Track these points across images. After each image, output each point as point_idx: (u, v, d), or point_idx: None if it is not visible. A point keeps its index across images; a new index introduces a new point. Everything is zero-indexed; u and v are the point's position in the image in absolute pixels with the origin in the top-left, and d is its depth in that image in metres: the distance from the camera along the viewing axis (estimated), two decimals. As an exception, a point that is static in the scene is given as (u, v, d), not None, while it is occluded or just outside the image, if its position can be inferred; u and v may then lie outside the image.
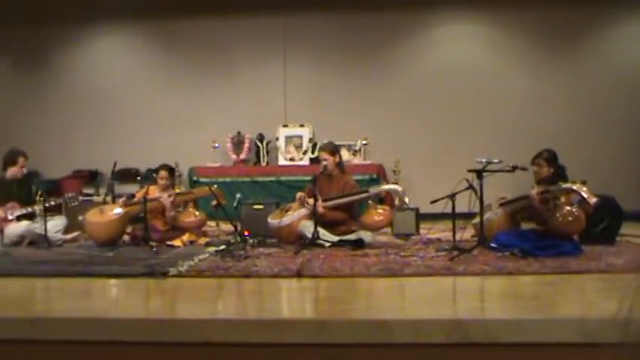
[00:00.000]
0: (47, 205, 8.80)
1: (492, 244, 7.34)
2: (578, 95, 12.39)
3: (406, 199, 9.19)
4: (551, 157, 7.60)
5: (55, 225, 8.95)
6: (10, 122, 13.74)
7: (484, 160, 7.52)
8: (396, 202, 9.56)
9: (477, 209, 7.52)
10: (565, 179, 7.33)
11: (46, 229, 8.58)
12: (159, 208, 8.85)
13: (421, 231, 9.52)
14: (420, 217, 9.65)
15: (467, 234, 8.11)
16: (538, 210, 7.35)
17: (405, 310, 5.05)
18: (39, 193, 9.19)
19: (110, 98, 13.67)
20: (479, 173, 7.42)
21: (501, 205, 8.08)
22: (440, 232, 9.29)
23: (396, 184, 10.01)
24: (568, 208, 7.13)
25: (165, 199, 8.76)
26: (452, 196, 7.64)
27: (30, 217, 9.01)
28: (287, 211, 8.55)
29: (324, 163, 8.61)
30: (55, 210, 9.45)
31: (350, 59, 13.02)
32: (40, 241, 8.64)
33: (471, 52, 12.79)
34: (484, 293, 5.70)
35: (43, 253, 8.02)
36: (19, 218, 8.94)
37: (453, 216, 7.68)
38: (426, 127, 12.62)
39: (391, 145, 12.30)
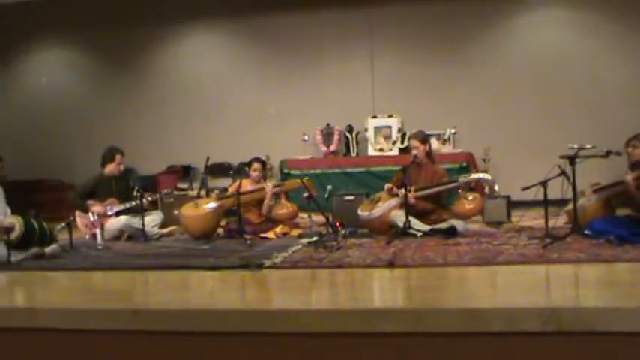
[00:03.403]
0: (144, 200, 9.00)
1: (586, 231, 7.15)
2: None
3: (496, 187, 9.09)
4: None
5: (152, 220, 9.15)
6: (108, 121, 14.06)
7: (576, 146, 7.33)
8: (486, 190, 9.47)
9: (569, 196, 7.35)
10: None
11: (143, 224, 8.78)
12: (252, 201, 8.95)
13: (513, 219, 9.39)
14: (512, 205, 9.51)
15: (560, 221, 7.95)
16: (634, 196, 7.17)
17: (499, 298, 5.00)
18: (136, 189, 9.38)
19: (202, 95, 13.88)
20: (571, 159, 7.24)
21: (595, 191, 7.90)
22: (532, 219, 9.16)
23: (486, 172, 9.90)
24: (664, 193, 6.93)
25: (269, 188, 8.87)
26: (544, 183, 7.50)
27: (128, 212, 9.22)
28: (377, 202, 8.52)
29: (415, 152, 8.56)
30: (152, 205, 9.64)
31: (437, 48, 12.90)
32: (138, 235, 8.87)
33: (561, 37, 12.52)
34: (579, 281, 5.59)
35: (141, 247, 8.24)
36: (118, 214, 9.18)
37: (545, 203, 7.55)
38: (516, 114, 12.41)
39: (480, 134, 12.16)
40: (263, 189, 8.94)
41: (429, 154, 8.67)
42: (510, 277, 5.62)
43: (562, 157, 7.35)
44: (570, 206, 7.47)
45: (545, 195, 7.50)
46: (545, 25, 12.62)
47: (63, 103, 14.56)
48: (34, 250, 7.28)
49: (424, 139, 8.66)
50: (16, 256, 7.04)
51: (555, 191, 7.49)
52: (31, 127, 14.55)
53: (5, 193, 7.94)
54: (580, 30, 12.45)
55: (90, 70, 14.75)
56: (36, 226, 7.47)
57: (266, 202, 8.92)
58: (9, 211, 7.84)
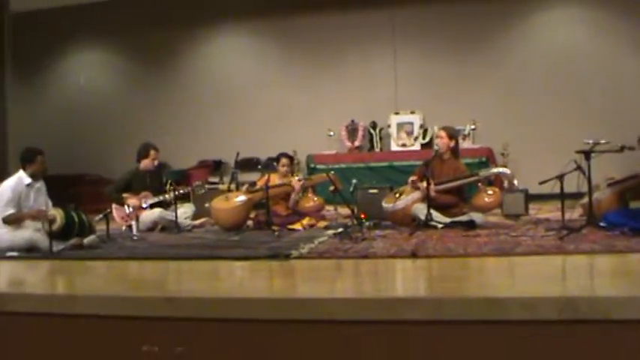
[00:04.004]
0: (177, 193, 9.05)
1: (601, 224, 7.11)
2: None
3: (515, 181, 9.04)
4: None
5: (185, 212, 9.22)
6: (142, 118, 14.19)
7: (591, 141, 7.28)
8: (505, 184, 9.42)
9: (585, 189, 7.30)
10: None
11: (176, 216, 8.83)
12: (280, 194, 8.98)
13: (530, 211, 9.34)
14: (529, 198, 9.46)
15: (576, 214, 7.90)
16: (647, 189, 7.13)
17: (517, 287, 4.97)
18: (169, 182, 9.43)
19: (231, 93, 13.98)
20: (587, 154, 7.19)
21: (610, 185, 7.85)
22: (549, 212, 9.12)
23: (505, 166, 9.85)
24: (677, 186, 6.87)
25: (296, 182, 8.90)
26: (560, 177, 7.46)
27: (162, 205, 9.27)
28: (400, 194, 8.51)
29: (437, 141, 8.59)
30: (184, 198, 9.69)
31: (457, 47, 12.91)
32: (171, 226, 8.94)
33: (578, 35, 12.48)
34: (594, 271, 5.54)
35: (174, 238, 8.28)
36: (152, 206, 9.25)
37: (562, 196, 7.51)
38: (534, 110, 12.38)
39: (499, 129, 12.14)
40: (290, 183, 8.96)
41: (455, 150, 8.61)
42: (528, 267, 5.58)
43: (578, 151, 7.28)
44: (586, 199, 7.41)
45: (562, 188, 7.46)
46: (560, 23, 12.58)
47: (100, 102, 14.71)
48: (74, 240, 7.35)
49: (452, 134, 8.62)
50: (57, 247, 7.11)
51: (571, 185, 7.45)
52: (70, 125, 14.71)
53: (46, 186, 8.02)
54: (594, 27, 12.40)
55: (125, 70, 14.89)
56: (75, 218, 7.52)
57: (293, 196, 8.95)
58: (50, 203, 7.92)
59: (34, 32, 14.74)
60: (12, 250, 7.31)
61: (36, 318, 4.79)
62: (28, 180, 7.67)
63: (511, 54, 12.73)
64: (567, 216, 7.49)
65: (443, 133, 8.58)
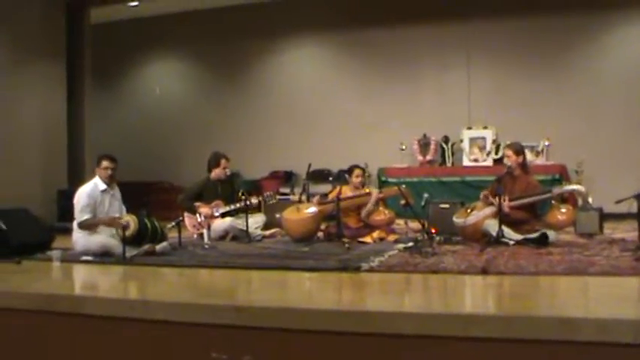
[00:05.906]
0: (248, 203, 9.12)
1: (680, 245, 6.94)
2: None
3: (589, 199, 8.87)
4: None
5: (255, 222, 9.26)
6: (214, 128, 14.35)
7: (671, 160, 7.11)
8: (579, 201, 9.25)
9: (663, 209, 7.14)
10: None
11: (247, 226, 8.89)
12: (351, 207, 8.96)
13: (605, 231, 9.15)
14: (604, 217, 9.26)
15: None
16: None
17: (591, 308, 4.87)
18: (240, 192, 9.51)
19: (304, 104, 14.03)
20: (665, 173, 7.03)
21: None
22: (624, 232, 8.91)
23: (579, 184, 9.69)
24: None
25: (376, 193, 8.91)
26: (637, 196, 7.29)
27: (233, 214, 9.35)
28: (471, 210, 8.44)
29: (506, 160, 8.47)
30: (255, 208, 9.75)
31: (531, 61, 12.74)
32: (241, 236, 8.98)
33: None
34: (672, 293, 5.42)
35: (244, 247, 8.33)
36: (223, 215, 9.32)
37: (639, 216, 7.33)
38: (609, 127, 12.13)
39: (574, 146, 11.91)
40: (369, 194, 8.95)
41: (523, 165, 8.50)
42: (602, 288, 5.47)
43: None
44: (664, 219, 7.24)
45: (639, 208, 7.28)
46: (638, 38, 12.27)
47: (175, 112, 14.96)
48: (146, 247, 7.47)
49: (518, 150, 8.50)
50: (130, 252, 7.24)
51: (649, 205, 7.27)
52: (145, 133, 14.98)
53: (120, 193, 8.20)
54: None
55: (199, 80, 15.11)
56: (148, 224, 7.67)
57: (369, 206, 8.90)
58: (124, 209, 8.09)
59: (113, 43, 15.06)
60: (86, 254, 7.50)
61: (109, 321, 4.89)
62: (103, 186, 7.87)
63: (587, 69, 12.50)
64: (644, 236, 7.31)
65: (509, 152, 8.44)
